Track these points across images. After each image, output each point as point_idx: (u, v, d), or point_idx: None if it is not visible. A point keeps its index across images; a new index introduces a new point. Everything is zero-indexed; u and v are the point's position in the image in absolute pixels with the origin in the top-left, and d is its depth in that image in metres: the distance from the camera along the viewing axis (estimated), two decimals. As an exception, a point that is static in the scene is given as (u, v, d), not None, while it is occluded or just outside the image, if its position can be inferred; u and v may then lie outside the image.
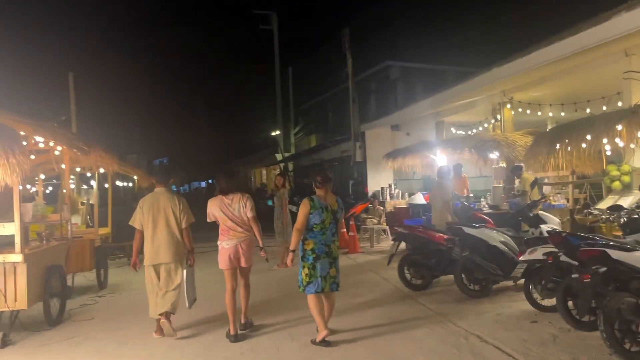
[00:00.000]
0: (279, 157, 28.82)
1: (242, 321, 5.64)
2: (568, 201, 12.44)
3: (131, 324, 6.28)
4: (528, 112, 11.56)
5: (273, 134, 29.78)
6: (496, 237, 6.76)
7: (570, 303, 5.08)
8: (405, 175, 18.23)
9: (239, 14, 62.97)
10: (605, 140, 7.04)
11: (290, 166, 27.79)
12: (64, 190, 7.65)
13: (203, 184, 56.46)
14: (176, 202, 5.59)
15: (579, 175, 11.81)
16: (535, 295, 5.78)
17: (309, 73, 33.76)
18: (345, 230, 12.58)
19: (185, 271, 5.60)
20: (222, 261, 5.44)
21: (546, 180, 13.71)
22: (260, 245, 5.49)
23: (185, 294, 5.60)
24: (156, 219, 5.54)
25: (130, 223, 5.69)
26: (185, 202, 5.71)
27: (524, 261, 5.70)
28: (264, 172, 35.02)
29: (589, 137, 6.70)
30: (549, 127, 15.06)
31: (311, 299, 5.03)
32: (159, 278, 5.62)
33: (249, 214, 5.41)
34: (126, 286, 8.64)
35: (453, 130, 15.94)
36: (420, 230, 7.35)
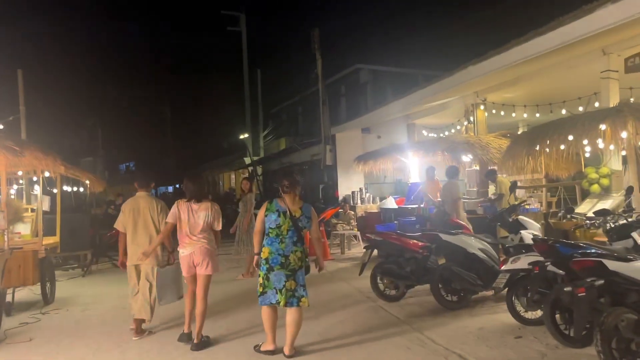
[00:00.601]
0: (247, 160, 28.13)
1: (195, 340, 5.23)
2: (541, 205, 12.24)
3: (75, 346, 5.59)
4: (502, 113, 11.28)
5: (242, 137, 29.04)
6: (475, 245, 6.33)
7: (556, 316, 4.66)
8: (376, 179, 17.86)
9: (206, 14, 61.82)
10: (585, 142, 6.71)
11: (259, 170, 27.14)
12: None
13: (170, 188, 55.12)
14: (154, 205, 5.76)
15: (552, 178, 11.60)
16: (519, 307, 5.36)
17: (279, 76, 33.30)
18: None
19: (160, 270, 5.62)
20: (182, 268, 5.41)
21: (519, 184, 13.49)
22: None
23: (157, 293, 5.63)
24: (136, 221, 5.71)
25: (114, 226, 5.88)
26: (164, 205, 5.83)
27: (507, 271, 5.27)
28: (233, 176, 34.25)
29: (571, 137, 6.34)
30: (521, 130, 14.94)
31: (263, 311, 4.78)
32: (138, 278, 5.78)
33: (216, 227, 5.42)
34: (75, 300, 7.90)
35: (425, 132, 15.62)
36: (394, 237, 6.87)
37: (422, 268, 6.66)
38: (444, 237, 6.35)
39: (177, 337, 5.46)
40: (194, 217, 5.26)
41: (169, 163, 49.70)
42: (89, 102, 37.13)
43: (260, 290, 4.68)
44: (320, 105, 17.97)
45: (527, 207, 11.55)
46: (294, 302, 4.68)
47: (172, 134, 49.49)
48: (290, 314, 4.73)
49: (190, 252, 5.23)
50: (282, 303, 4.61)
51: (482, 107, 11.45)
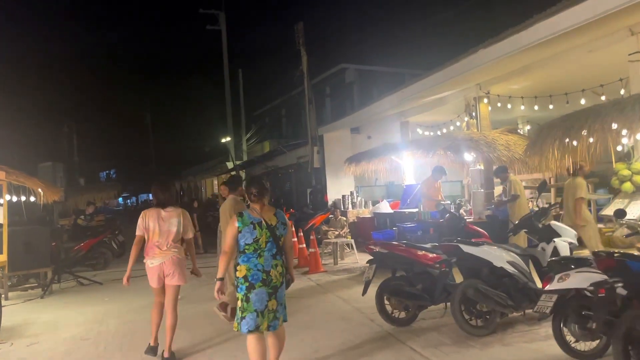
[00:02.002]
0: (230, 165, 26.91)
1: (166, 354, 5.02)
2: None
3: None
4: (509, 106, 10.25)
5: (223, 140, 27.81)
6: (502, 257, 5.25)
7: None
8: (367, 182, 16.79)
9: (184, 13, 60.28)
10: (625, 132, 5.68)
11: (242, 174, 25.93)
12: None
13: (152, 196, 53.52)
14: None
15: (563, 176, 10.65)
16: (569, 337, 4.28)
17: (261, 78, 32.26)
18: (304, 245, 10.94)
19: None
20: (151, 279, 5.11)
21: (525, 183, 12.51)
22: (194, 268, 5.35)
23: None
24: None
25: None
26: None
27: (553, 291, 4.18)
28: (215, 182, 32.99)
29: (615, 125, 5.29)
30: (521, 126, 13.97)
31: (248, 341, 4.07)
32: None
33: (187, 235, 5.19)
34: (24, 331, 6.63)
35: (420, 131, 14.57)
36: (402, 249, 5.76)
37: (436, 285, 5.58)
38: (466, 248, 5.25)
39: (144, 350, 5.24)
40: (166, 224, 5.06)
41: (150, 169, 48.30)
42: (62, 106, 35.45)
43: (240, 314, 4.04)
44: (306, 105, 16.89)
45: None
46: (276, 325, 4.12)
47: (153, 139, 48.06)
48: (275, 337, 4.21)
49: (161, 262, 5.01)
50: (263, 327, 4.04)
51: (485, 100, 10.41)
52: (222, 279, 4.18)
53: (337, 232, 12.43)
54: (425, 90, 11.35)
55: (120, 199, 54.02)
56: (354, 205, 15.24)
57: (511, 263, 5.22)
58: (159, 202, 5.17)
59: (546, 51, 8.29)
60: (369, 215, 14.23)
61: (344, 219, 12.99)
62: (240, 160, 26.83)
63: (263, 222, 4.12)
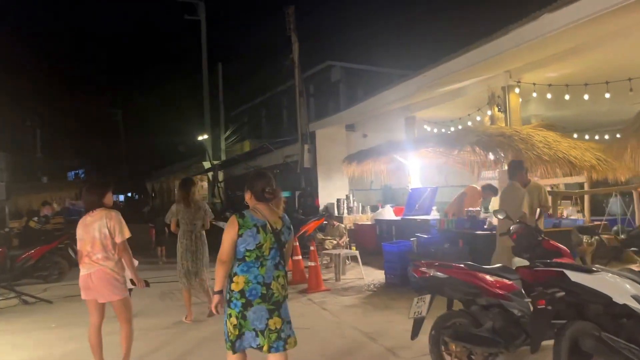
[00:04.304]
0: (207, 165, 25.01)
1: None
2: (583, 215, 9.82)
3: None
4: (549, 96, 8.71)
5: (200, 138, 25.87)
6: (626, 289, 3.64)
7: None
8: (361, 185, 15.18)
9: (162, 2, 57.61)
10: None
11: (220, 176, 24.06)
12: None
13: (122, 197, 51.09)
14: None
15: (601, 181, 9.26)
16: None
17: (240, 75, 30.46)
18: (300, 257, 9.22)
19: None
20: (81, 290, 4.54)
21: (548, 189, 11.06)
22: (132, 277, 4.57)
23: None
24: None
25: None
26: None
27: None
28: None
29: None
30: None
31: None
32: None
33: (116, 239, 4.46)
34: None
35: (427, 128, 13.00)
36: (465, 273, 4.11)
37: (512, 323, 3.96)
38: (574, 276, 3.61)
39: None
40: (90, 230, 4.45)
41: (121, 169, 45.91)
42: (25, 101, 32.84)
43: (235, 333, 3.48)
44: (297, 97, 15.22)
45: (569, 217, 9.13)
46: (280, 346, 3.53)
47: (124, 137, 45.61)
48: (278, 359, 3.56)
49: (88, 272, 4.44)
50: (265, 348, 3.51)
51: (517, 90, 8.87)
52: (220, 292, 3.52)
53: (335, 242, 10.77)
54: (437, 81, 9.79)
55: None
56: (350, 210, 13.60)
57: (636, 298, 3.61)
58: (85, 206, 4.66)
59: (606, 26, 6.80)
60: (369, 222, 12.61)
61: (343, 225, 11.32)
62: (219, 159, 24.93)
63: (268, 225, 3.56)
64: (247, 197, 3.71)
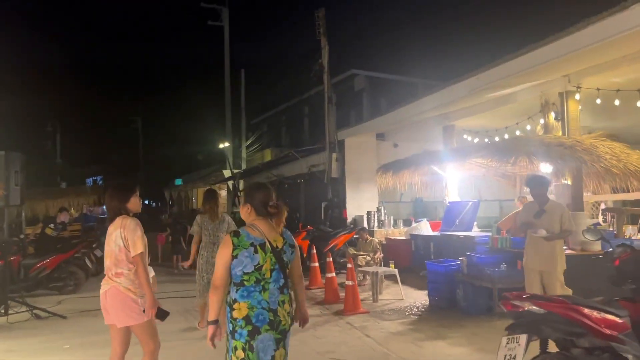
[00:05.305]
0: (227, 173, 24.41)
1: None
2: (645, 236, 8.94)
3: None
4: (617, 102, 7.90)
5: (221, 146, 25.32)
6: None
7: None
8: (391, 197, 14.43)
9: (184, 9, 57.57)
10: None
11: (241, 185, 23.45)
12: None
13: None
14: None
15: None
16: None
17: (262, 83, 30.09)
18: (333, 275, 8.48)
19: None
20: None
21: (603, 206, 10.21)
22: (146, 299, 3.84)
23: None
24: None
25: None
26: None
27: None
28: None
29: None
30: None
31: None
32: None
33: (133, 250, 3.81)
34: None
35: (468, 137, 12.21)
36: (567, 308, 3.34)
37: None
38: None
39: None
40: (108, 242, 3.91)
41: (139, 176, 45.76)
42: (48, 108, 32.86)
43: None
44: (326, 104, 14.53)
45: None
46: None
47: (143, 144, 45.48)
48: None
49: (104, 291, 3.87)
50: None
51: (577, 96, 8.07)
52: (215, 322, 3.14)
53: (368, 257, 10.02)
54: (491, 83, 9.02)
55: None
56: (381, 224, 12.83)
57: None
58: (108, 215, 4.12)
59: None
60: (403, 237, 11.82)
61: (376, 240, 10.55)
62: (239, 168, 24.34)
63: (267, 243, 3.19)
64: (245, 211, 3.30)
